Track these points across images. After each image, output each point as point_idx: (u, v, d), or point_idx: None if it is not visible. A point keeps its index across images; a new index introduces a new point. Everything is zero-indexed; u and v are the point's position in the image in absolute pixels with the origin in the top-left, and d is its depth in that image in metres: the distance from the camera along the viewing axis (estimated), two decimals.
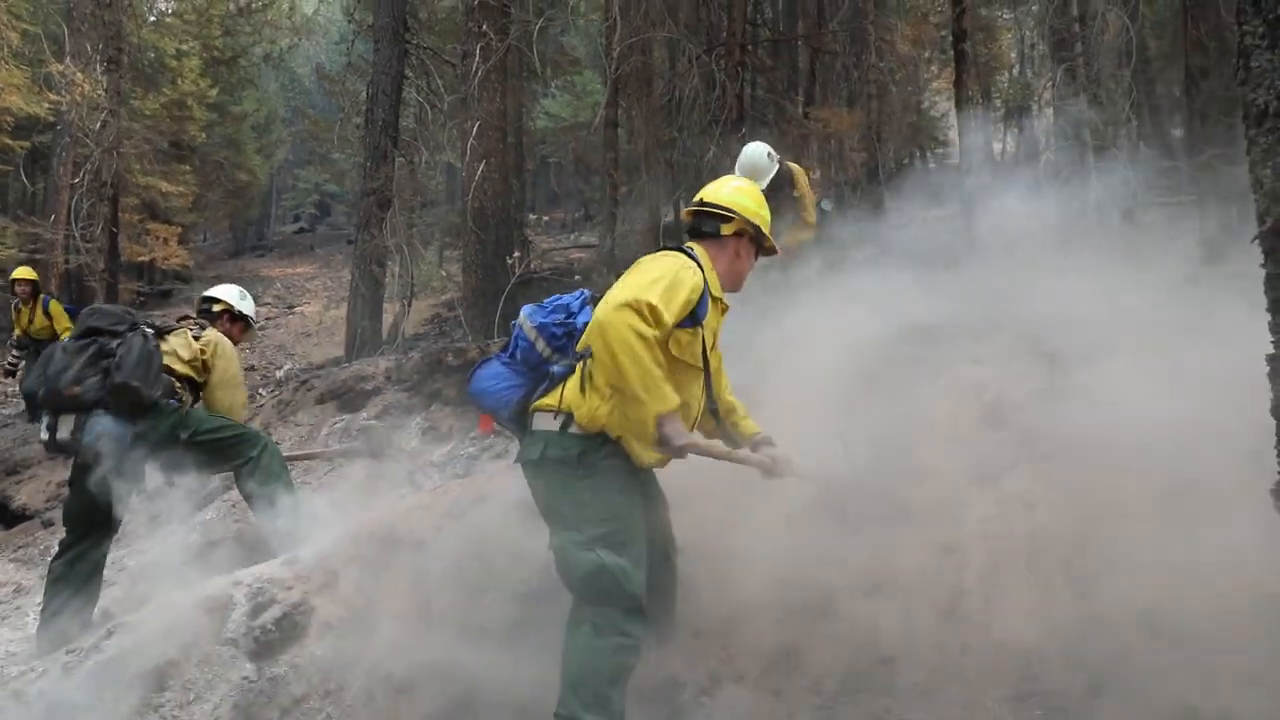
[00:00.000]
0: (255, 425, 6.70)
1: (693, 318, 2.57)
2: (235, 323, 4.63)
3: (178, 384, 4.13)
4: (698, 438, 2.63)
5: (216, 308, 4.59)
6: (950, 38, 11.12)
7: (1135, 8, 8.38)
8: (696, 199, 2.85)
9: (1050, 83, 10.27)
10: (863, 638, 2.72)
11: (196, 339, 4.27)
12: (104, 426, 3.76)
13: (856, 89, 10.98)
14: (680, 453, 2.48)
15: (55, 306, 8.69)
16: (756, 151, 5.68)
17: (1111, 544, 2.81)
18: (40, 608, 3.99)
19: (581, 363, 2.56)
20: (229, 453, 4.16)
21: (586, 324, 2.54)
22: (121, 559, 5.21)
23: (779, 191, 5.72)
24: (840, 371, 3.84)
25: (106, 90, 12.57)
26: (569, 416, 2.52)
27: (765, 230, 2.82)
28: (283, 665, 3.04)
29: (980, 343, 4.18)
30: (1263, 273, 1.65)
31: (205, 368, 4.26)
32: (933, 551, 2.96)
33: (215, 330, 4.42)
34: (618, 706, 2.41)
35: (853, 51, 10.83)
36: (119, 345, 3.86)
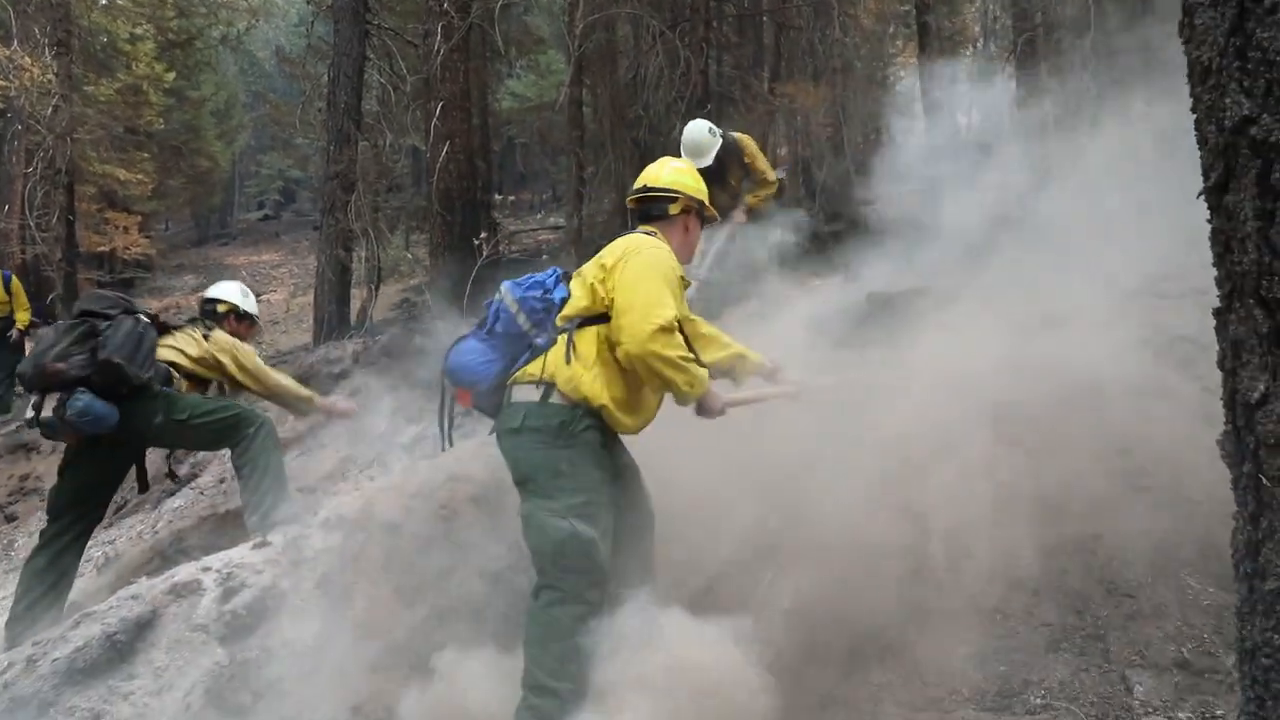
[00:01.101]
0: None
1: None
2: (241, 321, 4.57)
3: (178, 377, 4.07)
4: (727, 396, 2.85)
5: (221, 308, 4.50)
6: (913, 11, 11.16)
7: None
8: (639, 185, 3.01)
9: (1012, 54, 10.35)
10: (828, 602, 2.76)
11: (205, 338, 4.22)
12: (85, 403, 3.67)
13: (822, 64, 10.99)
14: (721, 413, 2.76)
15: (16, 284, 8.08)
16: (698, 128, 5.75)
17: (1071, 503, 2.88)
18: (12, 600, 3.93)
19: (564, 334, 2.62)
20: (225, 433, 4.11)
21: (564, 299, 2.68)
22: (87, 549, 5.14)
23: (731, 162, 5.76)
24: (807, 342, 3.87)
25: (57, 75, 12.19)
26: (550, 386, 2.59)
27: (706, 201, 3.06)
28: (254, 649, 3.03)
29: (944, 310, 4.23)
30: (1208, 228, 1.67)
31: (219, 367, 4.21)
32: (896, 515, 3.01)
33: (222, 332, 4.35)
34: (582, 672, 2.44)
35: (817, 26, 10.81)
36: (108, 326, 3.78)
